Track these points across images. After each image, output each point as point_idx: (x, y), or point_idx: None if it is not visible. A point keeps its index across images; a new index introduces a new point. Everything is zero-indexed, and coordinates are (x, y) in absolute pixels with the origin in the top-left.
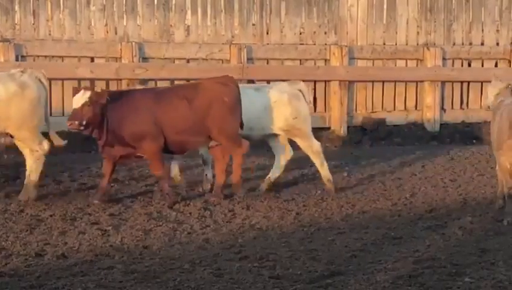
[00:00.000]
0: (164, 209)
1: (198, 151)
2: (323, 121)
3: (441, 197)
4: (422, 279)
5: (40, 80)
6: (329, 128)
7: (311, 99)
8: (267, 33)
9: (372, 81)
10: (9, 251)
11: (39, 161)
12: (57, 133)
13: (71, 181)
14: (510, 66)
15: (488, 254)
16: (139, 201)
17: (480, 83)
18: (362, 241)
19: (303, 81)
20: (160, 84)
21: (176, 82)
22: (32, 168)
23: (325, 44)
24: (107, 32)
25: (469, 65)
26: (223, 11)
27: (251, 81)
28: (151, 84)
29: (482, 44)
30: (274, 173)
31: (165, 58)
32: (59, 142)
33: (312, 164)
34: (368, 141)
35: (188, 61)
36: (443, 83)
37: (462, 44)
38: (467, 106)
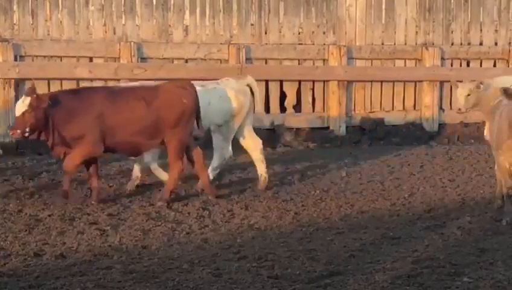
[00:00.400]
0: (163, 210)
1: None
2: (321, 121)
3: (439, 197)
4: (421, 279)
5: None
6: (327, 128)
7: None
8: (266, 33)
9: (371, 81)
10: (8, 251)
11: None
12: None
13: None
14: (508, 66)
15: (486, 254)
16: (138, 201)
17: None
18: (361, 241)
19: (302, 81)
20: None
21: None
22: None
23: (324, 44)
24: (106, 32)
25: (468, 65)
26: (222, 11)
27: None
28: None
29: (481, 44)
30: (261, 169)
31: (164, 58)
32: None
33: (310, 165)
34: (367, 141)
35: (186, 61)
36: (442, 82)
37: (461, 44)
38: None
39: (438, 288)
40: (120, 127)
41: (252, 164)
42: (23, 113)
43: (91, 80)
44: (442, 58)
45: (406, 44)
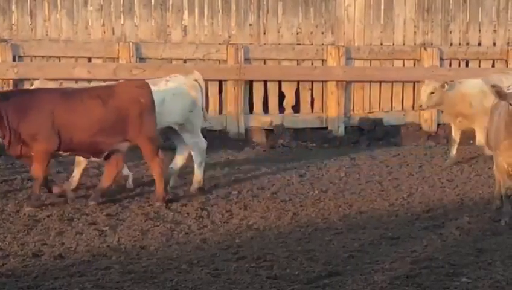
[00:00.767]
0: (161, 210)
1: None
2: (320, 122)
3: (438, 198)
4: (420, 279)
5: None
6: (326, 128)
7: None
8: (264, 33)
9: (370, 82)
10: (6, 251)
11: None
12: None
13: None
14: (507, 66)
15: (485, 254)
16: (136, 201)
17: None
18: (360, 242)
19: (300, 81)
20: None
21: None
22: None
23: (322, 44)
24: (105, 32)
25: (466, 65)
26: (220, 11)
27: None
28: None
29: (479, 44)
30: (176, 165)
31: (162, 59)
32: None
33: (308, 165)
34: (365, 141)
35: (185, 61)
36: None
37: (459, 44)
38: None
39: (436, 288)
40: (76, 127)
41: (250, 163)
42: None
43: (90, 80)
44: (441, 59)
45: (404, 44)
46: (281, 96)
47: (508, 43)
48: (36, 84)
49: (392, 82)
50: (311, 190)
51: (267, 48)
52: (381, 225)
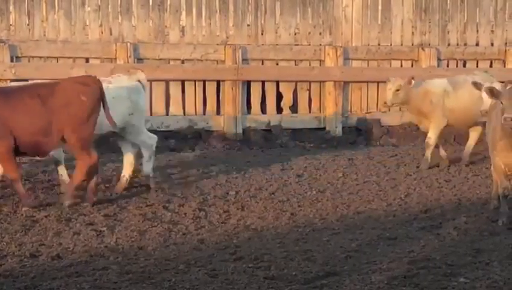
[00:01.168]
0: (159, 210)
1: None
2: (318, 122)
3: (435, 198)
4: (417, 279)
5: None
6: (324, 128)
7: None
8: (262, 34)
9: (367, 82)
10: (4, 252)
11: None
12: None
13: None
14: (505, 66)
15: (482, 254)
16: (134, 202)
17: None
18: (357, 242)
19: (298, 82)
20: (155, 84)
21: (171, 83)
22: None
23: (320, 44)
24: (102, 33)
25: (464, 66)
26: (218, 11)
27: None
28: None
29: (477, 44)
30: (127, 170)
31: (160, 59)
32: None
33: (306, 165)
34: (363, 142)
35: (182, 62)
36: None
37: (457, 44)
38: None
39: (434, 289)
40: (17, 126)
41: (249, 163)
42: None
43: None
44: (439, 59)
45: (402, 45)
46: (279, 97)
47: (506, 43)
48: None
49: None
50: (309, 190)
51: (265, 49)
52: (379, 225)
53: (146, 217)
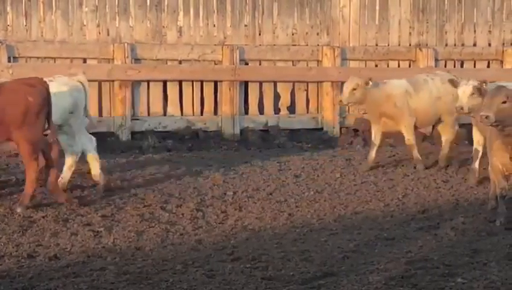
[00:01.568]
0: (156, 211)
1: None
2: (315, 122)
3: (433, 198)
4: (415, 280)
5: None
6: (321, 129)
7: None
8: (260, 34)
9: None
10: (1, 252)
11: None
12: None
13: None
14: (502, 66)
15: (480, 255)
16: (131, 202)
17: None
18: (355, 242)
19: (295, 82)
20: (152, 85)
21: (168, 83)
22: None
23: (318, 45)
24: (100, 33)
25: (461, 66)
26: (215, 12)
27: None
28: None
29: (475, 45)
30: (66, 174)
31: (158, 60)
32: None
33: (304, 166)
34: (361, 142)
35: (180, 62)
36: None
37: (455, 45)
38: None
39: (431, 289)
40: None
41: (247, 164)
42: None
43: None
44: (436, 59)
45: (399, 45)
46: (277, 97)
47: (503, 43)
48: None
49: None
50: (307, 190)
51: (262, 49)
52: (377, 225)
53: (143, 218)
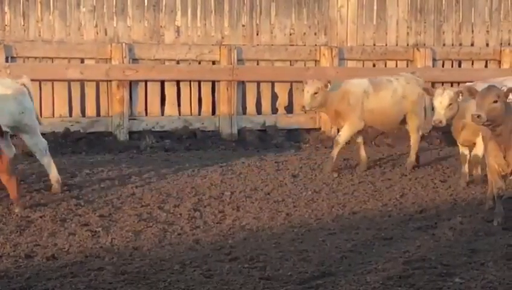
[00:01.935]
0: (154, 211)
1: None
2: (313, 122)
3: (431, 198)
4: (413, 279)
5: None
6: (319, 128)
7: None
8: (257, 34)
9: None
10: None
11: None
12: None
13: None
14: (500, 66)
15: (478, 255)
16: (129, 202)
17: None
18: (353, 242)
19: (293, 82)
20: (150, 85)
21: (166, 83)
22: None
23: (315, 45)
24: (97, 33)
25: (459, 66)
26: (213, 12)
27: None
28: (141, 85)
29: (472, 45)
30: (53, 172)
31: (155, 60)
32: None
33: (301, 166)
34: None
35: (178, 62)
36: (433, 83)
37: (452, 45)
38: None
39: (429, 289)
40: None
41: (245, 163)
42: None
43: (82, 81)
44: (434, 59)
45: (397, 45)
46: (274, 97)
47: (501, 43)
48: None
49: None
50: (304, 190)
51: (260, 49)
52: (374, 225)
53: (141, 218)
